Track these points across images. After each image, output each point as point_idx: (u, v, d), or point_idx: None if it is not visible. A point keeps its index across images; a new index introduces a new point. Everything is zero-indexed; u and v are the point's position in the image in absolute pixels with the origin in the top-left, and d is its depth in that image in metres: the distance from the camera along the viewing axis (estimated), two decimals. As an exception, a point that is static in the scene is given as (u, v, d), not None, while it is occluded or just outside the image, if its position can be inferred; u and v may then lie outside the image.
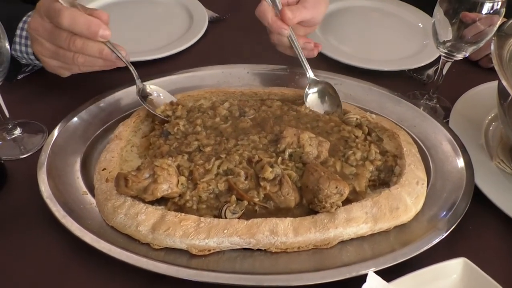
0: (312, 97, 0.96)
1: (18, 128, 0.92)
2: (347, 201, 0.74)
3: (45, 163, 0.80)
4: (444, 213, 0.76)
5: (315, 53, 0.99)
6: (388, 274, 0.64)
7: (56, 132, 0.86)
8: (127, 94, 0.95)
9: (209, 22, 1.28)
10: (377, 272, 0.63)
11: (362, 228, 0.72)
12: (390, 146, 0.87)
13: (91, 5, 1.13)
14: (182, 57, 1.16)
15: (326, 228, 0.70)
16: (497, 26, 0.85)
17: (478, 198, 0.80)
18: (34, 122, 0.95)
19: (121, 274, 0.69)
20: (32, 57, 0.93)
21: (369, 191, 0.79)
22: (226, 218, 0.71)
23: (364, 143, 0.85)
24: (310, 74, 0.96)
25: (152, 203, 0.73)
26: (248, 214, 0.73)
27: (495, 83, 0.84)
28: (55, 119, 0.89)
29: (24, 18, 0.92)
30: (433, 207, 0.77)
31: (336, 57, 1.14)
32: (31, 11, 0.91)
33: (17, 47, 0.93)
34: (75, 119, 0.89)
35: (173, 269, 0.66)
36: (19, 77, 1.04)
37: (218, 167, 0.78)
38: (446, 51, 0.92)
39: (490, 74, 1.08)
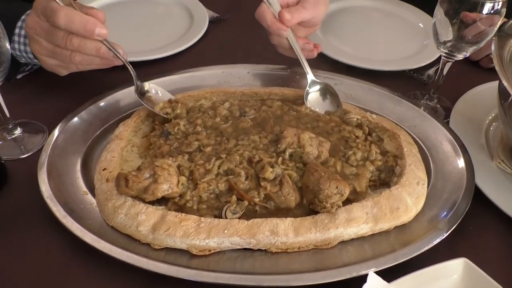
0: (313, 95, 0.95)
1: (19, 128, 0.92)
2: (347, 201, 0.74)
3: (46, 163, 0.80)
4: (445, 213, 0.76)
5: (315, 54, 0.99)
6: (388, 274, 0.64)
7: (56, 132, 0.86)
8: (127, 94, 0.95)
9: (210, 22, 1.28)
10: (377, 272, 0.63)
11: (362, 228, 0.72)
12: (391, 146, 0.87)
13: (91, 5, 1.13)
14: (183, 57, 1.16)
15: (327, 228, 0.70)
16: (498, 26, 0.85)
17: (479, 198, 0.80)
18: (34, 122, 0.95)
19: (121, 274, 0.69)
20: (31, 55, 0.93)
21: (370, 191, 0.79)
22: (226, 218, 0.71)
23: (364, 143, 0.85)
24: (309, 75, 0.96)
25: (152, 203, 0.73)
26: (248, 214, 0.73)
27: (495, 83, 0.84)
28: (55, 119, 0.89)
29: (23, 17, 0.92)
30: (434, 208, 0.77)
31: (337, 57, 1.14)
32: (30, 9, 0.91)
33: (16, 46, 0.93)
34: (76, 119, 0.89)
35: (174, 269, 0.66)
36: (18, 76, 1.04)
37: (219, 167, 0.78)
38: (446, 51, 0.92)
39: (490, 74, 1.08)
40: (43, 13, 0.81)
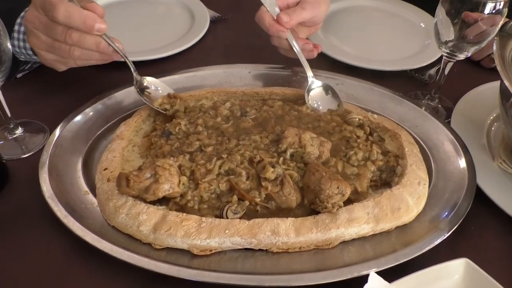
0: (315, 91, 0.96)
1: (20, 128, 0.92)
2: (348, 202, 0.73)
3: (47, 163, 0.80)
4: (446, 213, 0.75)
5: (315, 54, 0.99)
6: (389, 274, 0.64)
7: (57, 131, 0.86)
8: (128, 94, 0.95)
9: (211, 21, 1.28)
10: (378, 273, 0.63)
11: (363, 228, 0.72)
12: (392, 146, 0.87)
13: (92, 5, 1.13)
14: (184, 57, 1.16)
15: (328, 229, 0.70)
16: (499, 26, 0.85)
17: (480, 199, 0.80)
18: (35, 121, 0.95)
19: (122, 274, 0.69)
20: (30, 52, 0.93)
21: (371, 191, 0.78)
22: (227, 218, 0.71)
23: (365, 143, 0.84)
24: (310, 74, 0.96)
25: (153, 203, 0.73)
26: (249, 214, 0.73)
27: (497, 83, 0.84)
28: (56, 119, 0.89)
29: (22, 13, 0.92)
30: (435, 208, 0.77)
31: (338, 57, 1.14)
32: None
33: (16, 42, 0.92)
34: (77, 118, 0.90)
35: (175, 269, 0.66)
36: (19, 75, 1.04)
37: (220, 167, 0.78)
38: (448, 51, 0.92)
39: (492, 74, 1.07)
40: (42, 8, 0.81)
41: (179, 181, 0.74)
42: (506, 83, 0.74)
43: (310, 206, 0.74)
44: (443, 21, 0.88)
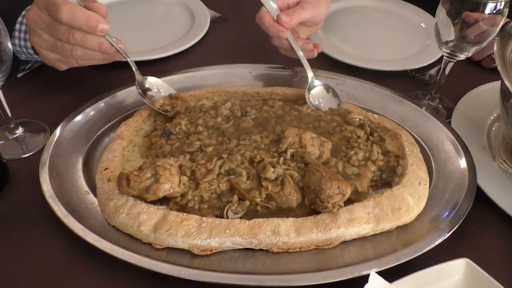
0: (316, 89, 0.96)
1: (20, 128, 0.92)
2: (349, 202, 0.73)
3: (47, 163, 0.80)
4: (447, 213, 0.75)
5: (315, 54, 0.99)
6: (390, 274, 0.64)
7: (58, 131, 0.86)
8: (129, 94, 0.96)
9: (211, 21, 1.28)
10: (379, 273, 0.63)
11: (364, 228, 0.72)
12: (392, 146, 0.87)
13: (93, 5, 1.13)
14: (184, 56, 1.16)
15: (328, 229, 0.70)
16: (500, 26, 0.85)
17: (481, 199, 0.80)
18: (36, 121, 0.95)
19: (123, 273, 0.69)
20: (31, 51, 0.93)
21: (371, 191, 0.78)
22: (228, 218, 0.71)
23: (366, 143, 0.84)
24: (310, 75, 0.96)
25: (154, 203, 0.73)
26: (250, 214, 0.73)
27: (497, 83, 0.84)
28: (57, 118, 0.89)
29: (23, 13, 0.92)
30: (435, 208, 0.77)
31: (338, 57, 1.14)
32: (30, 5, 0.91)
33: (16, 41, 0.92)
34: (77, 118, 0.90)
35: (175, 269, 0.66)
36: (19, 75, 1.04)
37: (220, 167, 0.78)
38: (448, 51, 0.92)
39: (492, 74, 1.07)
40: (46, 7, 0.81)
41: (180, 181, 0.74)
42: (507, 83, 0.74)
43: (311, 206, 0.74)
44: (443, 21, 0.88)
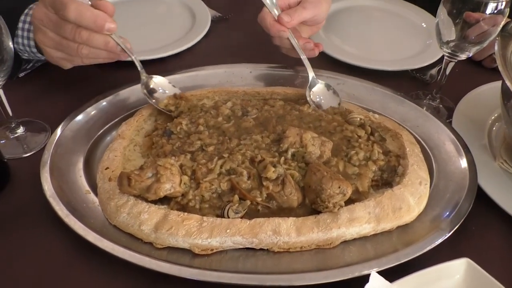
0: (318, 87, 0.96)
1: (21, 127, 0.93)
2: (349, 201, 0.73)
3: (48, 162, 0.80)
4: (447, 213, 0.75)
5: (316, 53, 0.99)
6: (391, 274, 0.64)
7: (59, 131, 0.86)
8: (130, 93, 0.96)
9: (212, 21, 1.28)
10: (380, 272, 0.63)
11: (365, 228, 0.72)
12: (393, 146, 0.87)
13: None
14: (185, 56, 1.16)
15: (329, 228, 0.70)
16: (501, 26, 0.85)
17: (481, 199, 0.80)
18: (37, 121, 0.95)
19: (124, 273, 0.69)
20: (34, 50, 0.93)
21: (372, 191, 0.78)
22: (228, 217, 0.71)
23: (367, 143, 0.84)
24: (311, 75, 0.96)
25: (155, 202, 0.73)
26: (250, 214, 0.73)
27: (498, 83, 0.84)
28: (58, 118, 0.89)
29: (26, 11, 0.92)
30: (436, 207, 0.77)
31: (339, 57, 1.14)
32: (33, 3, 0.91)
33: (19, 40, 0.92)
34: (78, 118, 0.90)
35: (176, 268, 0.66)
36: (20, 74, 1.04)
37: (221, 167, 0.78)
38: (449, 51, 0.92)
39: (493, 74, 1.08)
40: (52, 5, 0.81)
41: (181, 180, 0.74)
42: (508, 83, 0.74)
43: (311, 205, 0.74)
44: (444, 21, 0.88)
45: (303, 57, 0.95)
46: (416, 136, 0.90)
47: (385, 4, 1.38)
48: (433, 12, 0.93)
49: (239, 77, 1.03)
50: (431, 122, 0.92)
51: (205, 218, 0.70)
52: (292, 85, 1.02)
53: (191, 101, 0.93)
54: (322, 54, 1.04)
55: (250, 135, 0.85)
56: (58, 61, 0.90)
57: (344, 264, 0.68)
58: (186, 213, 0.71)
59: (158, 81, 0.93)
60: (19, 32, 0.92)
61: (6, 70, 0.81)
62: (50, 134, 0.92)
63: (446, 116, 1.02)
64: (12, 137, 0.92)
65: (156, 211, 0.71)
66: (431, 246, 0.70)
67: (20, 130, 0.92)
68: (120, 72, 0.98)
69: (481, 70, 1.15)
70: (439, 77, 1.00)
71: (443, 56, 0.95)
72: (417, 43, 1.23)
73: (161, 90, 0.93)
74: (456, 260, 0.66)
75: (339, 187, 0.71)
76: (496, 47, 0.80)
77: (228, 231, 0.69)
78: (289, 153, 0.80)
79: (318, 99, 0.95)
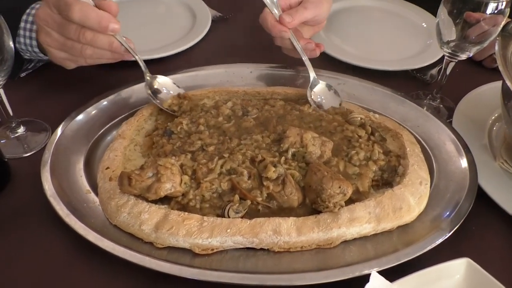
0: (319, 87, 0.96)
1: (22, 127, 0.93)
2: (350, 201, 0.74)
3: (49, 162, 0.80)
4: (448, 213, 0.75)
5: (317, 53, 0.99)
6: (391, 274, 0.64)
7: (59, 130, 0.86)
8: (130, 93, 0.96)
9: (212, 21, 1.28)
10: (380, 272, 0.63)
11: (365, 228, 0.72)
12: (394, 146, 0.87)
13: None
14: (185, 56, 1.16)
15: (329, 228, 0.70)
16: (502, 26, 0.85)
17: (482, 199, 0.80)
18: (37, 120, 0.95)
19: (124, 272, 0.69)
20: (36, 49, 0.93)
21: (372, 191, 0.78)
22: (229, 217, 0.71)
23: (367, 143, 0.85)
24: (312, 76, 0.96)
25: (155, 202, 0.73)
26: (251, 214, 0.73)
27: (499, 83, 0.84)
28: (58, 118, 0.89)
29: (27, 10, 0.91)
30: (437, 207, 0.77)
31: (339, 57, 1.14)
32: (35, 2, 0.91)
33: (22, 39, 0.92)
34: (79, 117, 0.90)
35: (176, 268, 0.66)
36: (22, 74, 1.04)
37: (221, 167, 0.78)
38: (450, 51, 0.92)
39: (494, 74, 1.07)
40: (56, 6, 0.81)
41: (181, 180, 0.75)
42: (508, 83, 0.74)
43: (312, 205, 0.74)
44: (445, 21, 0.88)
45: (305, 58, 0.96)
46: (417, 136, 0.90)
47: (385, 4, 1.38)
48: (434, 12, 0.93)
49: (239, 77, 1.03)
50: (431, 122, 0.92)
51: (205, 218, 0.70)
52: (293, 85, 1.02)
53: (194, 101, 0.93)
54: (323, 54, 1.04)
55: (251, 135, 0.85)
56: (62, 62, 0.90)
57: (345, 264, 0.68)
58: (186, 213, 0.71)
59: (162, 81, 0.93)
60: (21, 32, 0.91)
61: (6, 69, 0.81)
62: (50, 133, 0.92)
63: (446, 116, 1.02)
64: (12, 136, 0.92)
65: (157, 210, 0.71)
66: (432, 246, 0.70)
67: (21, 130, 0.92)
68: (120, 72, 0.98)
69: (481, 70, 1.15)
70: (439, 77, 1.00)
71: (443, 56, 0.96)
72: (417, 43, 1.23)
73: (165, 91, 0.93)
74: (456, 260, 0.66)
75: (340, 187, 0.71)
76: (496, 47, 0.80)
77: (228, 230, 0.69)
78: (290, 153, 0.80)
79: (319, 99, 0.95)
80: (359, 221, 0.71)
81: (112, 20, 0.81)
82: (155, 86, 0.92)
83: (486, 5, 0.83)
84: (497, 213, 0.80)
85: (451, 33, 0.89)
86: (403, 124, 0.92)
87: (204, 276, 0.66)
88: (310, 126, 0.88)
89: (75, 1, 0.79)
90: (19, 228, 0.76)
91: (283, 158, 0.79)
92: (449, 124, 0.92)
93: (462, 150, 0.85)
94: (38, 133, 0.93)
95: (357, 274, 0.66)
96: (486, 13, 0.84)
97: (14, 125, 0.92)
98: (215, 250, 0.69)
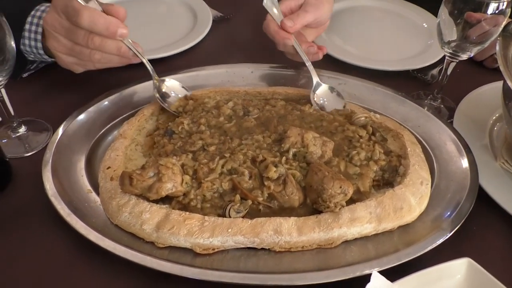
0: (322, 88, 0.96)
1: (23, 126, 0.93)
2: (351, 201, 0.74)
3: (50, 161, 0.80)
4: (448, 213, 0.75)
5: (320, 56, 0.99)
6: (392, 274, 0.64)
7: (60, 130, 0.86)
8: (131, 93, 0.96)
9: (213, 21, 1.28)
10: (381, 272, 0.63)
11: (366, 228, 0.72)
12: (394, 146, 0.87)
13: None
14: (186, 56, 1.16)
15: (330, 228, 0.70)
16: (502, 26, 0.85)
17: (483, 199, 0.80)
18: (39, 120, 0.95)
19: (125, 272, 0.69)
20: (41, 51, 0.93)
21: (373, 191, 0.78)
22: (230, 217, 0.71)
23: (368, 143, 0.85)
24: (315, 80, 0.96)
25: (156, 201, 0.73)
26: (252, 213, 0.73)
27: (499, 84, 0.84)
28: (60, 118, 0.89)
29: (32, 12, 0.92)
30: (437, 207, 0.77)
31: (341, 57, 1.14)
32: (39, 4, 0.91)
33: (26, 41, 0.92)
34: (80, 117, 0.90)
35: (177, 268, 0.66)
36: (24, 75, 1.04)
37: (222, 166, 0.78)
38: (450, 51, 0.92)
39: (494, 74, 1.07)
40: (65, 12, 0.82)
41: (182, 180, 0.75)
42: (509, 83, 0.74)
43: (313, 205, 0.74)
44: (446, 21, 0.88)
45: (308, 64, 0.96)
46: (417, 136, 0.90)
47: (386, 4, 1.38)
48: (435, 12, 0.93)
49: (240, 77, 1.03)
50: (432, 122, 0.92)
51: (206, 217, 0.70)
52: (294, 85, 1.02)
53: (200, 101, 0.93)
54: (324, 54, 1.04)
55: (252, 135, 0.85)
56: (70, 66, 0.91)
57: (346, 263, 0.68)
58: (187, 213, 0.71)
59: (170, 85, 0.94)
60: (26, 34, 0.92)
61: (8, 69, 0.81)
62: (51, 133, 0.92)
63: (447, 116, 1.02)
64: (14, 136, 0.92)
65: (158, 210, 0.71)
66: (432, 246, 0.70)
67: (22, 130, 0.92)
68: (122, 72, 0.98)
69: (482, 70, 1.15)
70: (440, 77, 1.00)
71: (444, 56, 0.96)
72: (418, 43, 1.23)
73: (173, 94, 0.93)
74: (457, 260, 0.66)
75: (341, 187, 0.71)
76: (497, 47, 0.80)
77: (229, 230, 0.69)
78: (291, 153, 0.80)
79: (322, 101, 0.95)
80: (360, 221, 0.71)
81: (120, 25, 0.81)
82: (163, 90, 0.93)
83: (487, 5, 0.83)
84: (498, 213, 0.80)
85: (452, 33, 0.89)
86: (404, 124, 0.92)
87: (205, 276, 0.66)
88: (311, 126, 0.88)
89: (83, 7, 0.80)
90: (21, 228, 0.76)
91: (284, 158, 0.79)
92: (450, 124, 0.92)
93: (463, 150, 0.85)
94: (39, 133, 0.93)
95: (358, 274, 0.66)
96: (487, 13, 0.84)
97: (15, 124, 0.92)
98: (216, 250, 0.69)
